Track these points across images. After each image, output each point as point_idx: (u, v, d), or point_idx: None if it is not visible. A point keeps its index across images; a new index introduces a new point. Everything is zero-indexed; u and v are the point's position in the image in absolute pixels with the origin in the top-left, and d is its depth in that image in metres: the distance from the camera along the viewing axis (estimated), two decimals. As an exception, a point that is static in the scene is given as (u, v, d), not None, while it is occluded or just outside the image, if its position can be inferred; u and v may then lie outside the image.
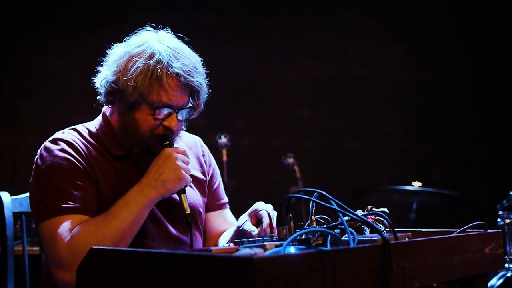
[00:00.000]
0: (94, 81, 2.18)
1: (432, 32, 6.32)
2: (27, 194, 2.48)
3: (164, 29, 2.19)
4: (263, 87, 6.13)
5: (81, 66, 5.51)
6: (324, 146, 6.19)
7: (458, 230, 1.83)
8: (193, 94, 2.12)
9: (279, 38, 6.16)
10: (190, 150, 2.38)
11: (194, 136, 2.48)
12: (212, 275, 1.27)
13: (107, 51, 2.16)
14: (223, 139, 4.50)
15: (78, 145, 2.11)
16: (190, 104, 2.13)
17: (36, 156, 2.10)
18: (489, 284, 2.79)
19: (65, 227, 1.94)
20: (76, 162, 2.06)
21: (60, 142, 2.10)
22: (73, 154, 2.07)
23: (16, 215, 2.41)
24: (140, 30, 2.18)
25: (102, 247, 1.54)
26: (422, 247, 1.59)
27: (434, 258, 1.61)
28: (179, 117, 2.11)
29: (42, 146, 2.12)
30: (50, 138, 2.14)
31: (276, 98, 6.17)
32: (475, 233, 1.80)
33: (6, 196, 2.39)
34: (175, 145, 2.14)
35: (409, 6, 6.25)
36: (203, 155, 2.43)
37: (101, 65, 2.16)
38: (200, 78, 2.11)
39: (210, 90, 2.20)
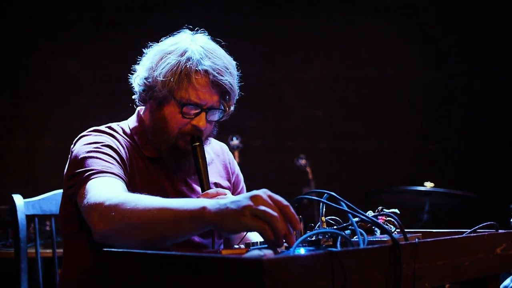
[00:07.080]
0: (130, 80, 2.18)
1: (444, 32, 6.30)
2: (41, 197, 2.51)
3: (200, 31, 2.19)
4: (275, 88, 6.13)
5: (94, 69, 5.56)
6: (337, 146, 6.18)
7: (469, 230, 1.83)
8: (223, 95, 2.11)
9: (292, 39, 6.16)
10: (218, 157, 2.37)
11: (220, 142, 2.46)
12: (222, 277, 1.28)
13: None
14: (235, 141, 4.49)
15: (117, 138, 2.08)
16: (221, 106, 2.12)
17: (72, 146, 2.04)
18: (502, 285, 2.77)
19: (111, 183, 1.82)
20: (117, 149, 2.01)
21: (99, 133, 2.07)
22: (113, 141, 2.04)
23: (29, 218, 2.43)
24: (178, 32, 2.18)
25: (112, 250, 1.55)
26: (432, 247, 1.58)
27: (444, 258, 1.60)
28: (209, 118, 2.10)
29: (78, 136, 2.07)
30: (87, 130, 2.09)
31: (289, 99, 6.18)
32: (486, 233, 1.80)
33: (19, 199, 2.41)
34: (206, 149, 2.13)
35: (420, 6, 6.23)
36: (229, 163, 2.40)
37: (137, 64, 2.17)
38: (230, 79, 2.09)
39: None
